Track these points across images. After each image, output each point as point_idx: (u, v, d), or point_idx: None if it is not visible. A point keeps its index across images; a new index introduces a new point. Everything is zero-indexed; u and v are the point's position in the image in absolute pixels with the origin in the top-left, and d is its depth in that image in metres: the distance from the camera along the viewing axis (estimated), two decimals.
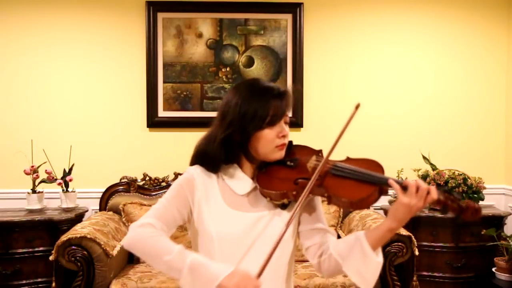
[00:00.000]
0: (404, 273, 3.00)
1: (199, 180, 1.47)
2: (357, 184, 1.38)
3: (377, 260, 1.39)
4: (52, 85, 3.71)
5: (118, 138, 3.74)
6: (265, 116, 1.42)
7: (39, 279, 3.22)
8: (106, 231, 3.03)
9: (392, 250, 2.90)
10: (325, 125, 3.73)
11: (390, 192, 1.36)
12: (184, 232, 3.14)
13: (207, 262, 1.34)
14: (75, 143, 3.65)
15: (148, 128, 3.75)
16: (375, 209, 3.59)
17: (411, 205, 1.32)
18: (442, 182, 3.39)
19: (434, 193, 1.32)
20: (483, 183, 3.47)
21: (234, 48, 3.75)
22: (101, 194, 3.57)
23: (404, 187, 1.33)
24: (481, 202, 3.50)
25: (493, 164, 3.84)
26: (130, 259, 3.33)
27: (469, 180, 3.43)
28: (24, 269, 3.20)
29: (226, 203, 1.47)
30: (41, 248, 3.22)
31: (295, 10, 3.72)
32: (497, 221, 3.41)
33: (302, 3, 3.72)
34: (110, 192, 3.57)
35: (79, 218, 3.40)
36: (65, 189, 3.48)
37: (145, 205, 3.41)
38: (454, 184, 3.40)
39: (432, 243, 3.35)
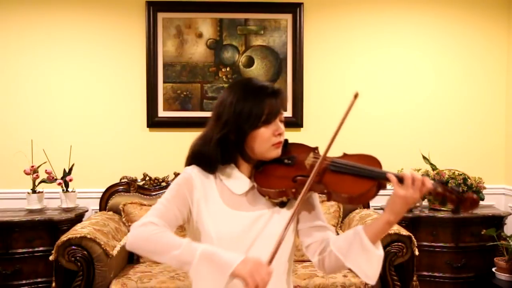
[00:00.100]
0: (404, 273, 3.00)
1: (197, 180, 1.47)
2: (356, 179, 1.39)
3: (378, 253, 1.40)
4: (52, 85, 3.71)
5: (118, 138, 3.74)
6: (261, 114, 1.43)
7: (39, 279, 3.22)
8: (106, 231, 3.03)
9: (392, 250, 2.90)
10: (325, 125, 3.72)
11: (389, 187, 1.37)
12: (183, 232, 3.13)
13: (218, 251, 1.34)
14: (75, 143, 3.66)
15: (148, 128, 3.75)
16: (375, 209, 3.60)
17: (408, 196, 1.34)
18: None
19: (429, 183, 1.34)
20: (483, 183, 3.47)
21: (234, 48, 3.75)
22: (101, 194, 3.58)
23: (400, 179, 1.35)
24: (481, 202, 3.51)
25: (493, 164, 3.84)
26: (130, 259, 3.33)
27: (469, 180, 3.43)
28: (24, 269, 3.20)
29: (225, 203, 1.47)
30: (41, 248, 3.22)
31: (295, 10, 3.72)
32: (497, 221, 3.41)
33: (302, 3, 3.72)
34: (110, 192, 3.57)
35: (79, 218, 3.40)
36: (65, 189, 3.48)
37: (145, 205, 3.41)
38: (454, 184, 3.40)
39: (432, 243, 3.35)
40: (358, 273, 1.41)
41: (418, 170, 3.56)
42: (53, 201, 3.56)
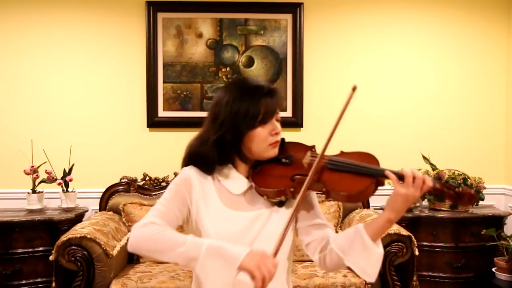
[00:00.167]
0: (404, 273, 3.00)
1: (195, 181, 1.47)
2: (354, 177, 1.39)
3: (378, 251, 1.41)
4: (52, 85, 3.71)
5: (118, 138, 3.74)
6: (257, 114, 1.43)
7: (39, 279, 3.22)
8: (106, 231, 3.03)
9: (392, 250, 2.90)
10: (325, 125, 3.70)
11: (389, 186, 1.37)
12: (183, 233, 3.13)
13: (223, 245, 1.34)
14: (75, 143, 3.66)
15: (148, 128, 3.75)
16: (375, 208, 3.60)
17: (408, 195, 1.34)
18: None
19: (430, 182, 1.35)
20: (483, 183, 3.48)
21: (234, 48, 3.75)
22: (101, 194, 3.58)
23: (401, 178, 1.35)
24: (481, 202, 3.51)
25: (493, 164, 3.84)
26: (130, 259, 3.33)
27: (469, 180, 3.43)
28: (24, 269, 3.20)
29: (224, 203, 1.47)
30: (41, 248, 3.22)
31: (295, 10, 3.72)
32: (497, 221, 3.41)
33: (302, 3, 3.72)
34: (110, 192, 3.57)
35: (79, 218, 3.40)
36: (65, 189, 3.48)
37: (145, 205, 3.41)
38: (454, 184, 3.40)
39: (432, 243, 3.35)
40: (358, 271, 1.42)
41: (419, 170, 3.56)
42: (53, 201, 3.56)
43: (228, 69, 3.74)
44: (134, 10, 3.72)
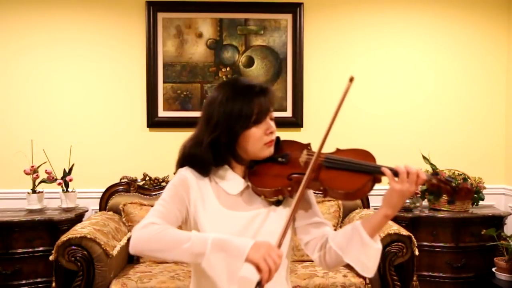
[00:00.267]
0: (404, 273, 3.00)
1: (193, 181, 1.47)
2: (351, 174, 1.39)
3: (376, 247, 1.41)
4: (52, 85, 3.71)
5: (118, 138, 3.74)
6: (251, 114, 1.42)
7: (39, 279, 3.22)
8: (106, 231, 3.03)
9: (392, 250, 2.90)
10: (325, 125, 3.69)
11: (388, 185, 1.37)
12: None
13: (228, 238, 1.34)
14: (75, 143, 3.66)
15: (148, 128, 3.75)
16: (375, 208, 3.59)
17: (404, 190, 1.35)
18: None
19: (423, 175, 1.36)
20: (483, 183, 3.48)
21: (234, 48, 3.75)
22: (101, 194, 3.58)
23: (395, 173, 1.36)
24: (481, 202, 3.51)
25: (493, 164, 3.84)
26: (130, 259, 3.33)
27: (469, 180, 3.43)
28: (24, 269, 3.20)
29: (221, 203, 1.47)
30: (41, 248, 3.22)
31: (295, 10, 3.72)
32: (497, 221, 3.41)
33: (302, 3, 3.72)
34: (110, 192, 3.57)
35: (79, 218, 3.40)
36: (65, 189, 3.48)
37: (145, 205, 3.41)
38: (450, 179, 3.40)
39: (432, 243, 3.35)
40: (357, 267, 1.42)
41: None
42: (53, 201, 3.56)
43: (228, 69, 3.74)
44: (134, 10, 3.72)
